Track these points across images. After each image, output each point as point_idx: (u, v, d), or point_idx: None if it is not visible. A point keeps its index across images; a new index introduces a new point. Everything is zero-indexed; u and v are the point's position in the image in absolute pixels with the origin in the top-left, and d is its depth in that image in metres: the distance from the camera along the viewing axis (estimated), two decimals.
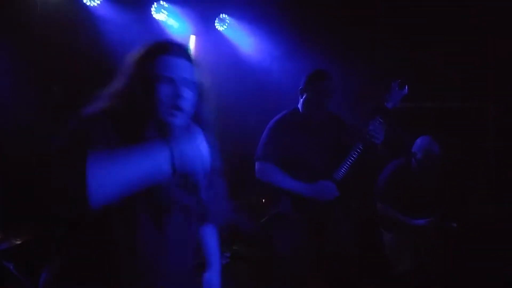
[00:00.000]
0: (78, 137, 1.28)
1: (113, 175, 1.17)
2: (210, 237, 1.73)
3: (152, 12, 4.35)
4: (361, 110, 3.13)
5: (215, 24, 4.77)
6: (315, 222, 2.89)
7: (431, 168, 3.61)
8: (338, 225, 2.98)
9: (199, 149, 1.29)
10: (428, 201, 3.59)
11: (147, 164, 1.23)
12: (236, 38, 4.93)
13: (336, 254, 2.94)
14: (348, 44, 4.72)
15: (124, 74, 1.48)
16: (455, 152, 4.21)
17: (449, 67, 4.48)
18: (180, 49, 1.48)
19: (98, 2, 3.95)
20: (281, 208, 2.90)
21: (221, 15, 4.78)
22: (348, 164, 2.89)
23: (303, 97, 3.01)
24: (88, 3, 3.93)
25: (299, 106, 3.07)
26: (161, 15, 4.39)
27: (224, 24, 4.82)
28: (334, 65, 4.06)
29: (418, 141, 3.72)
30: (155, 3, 4.34)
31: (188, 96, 1.41)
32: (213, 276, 1.70)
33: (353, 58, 4.65)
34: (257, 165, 2.94)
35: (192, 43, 4.72)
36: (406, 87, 2.93)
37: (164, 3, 4.38)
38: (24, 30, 3.58)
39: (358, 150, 2.87)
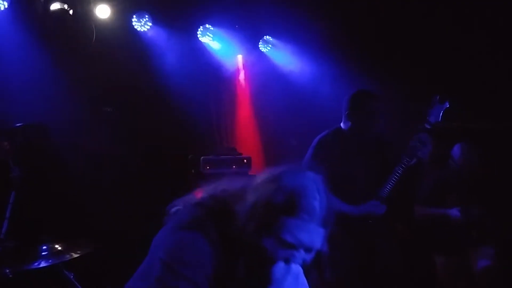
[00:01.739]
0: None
1: None
2: None
3: (198, 35, 4.53)
4: (405, 126, 3.10)
5: (259, 45, 4.89)
6: (362, 240, 2.87)
7: (469, 174, 3.49)
8: (384, 243, 2.94)
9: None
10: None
11: None
12: (280, 59, 5.02)
13: (383, 271, 2.90)
14: (392, 60, 4.70)
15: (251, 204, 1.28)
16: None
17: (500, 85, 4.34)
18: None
19: (148, 27, 4.17)
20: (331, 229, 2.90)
21: (265, 37, 4.89)
22: (393, 181, 2.86)
23: (350, 117, 2.97)
24: (138, 29, 4.15)
25: (342, 125, 3.04)
26: (206, 38, 4.57)
27: (268, 46, 4.94)
28: (377, 82, 4.10)
29: (456, 148, 3.63)
30: (201, 27, 4.52)
31: (305, 258, 1.31)
32: None
33: (396, 75, 4.63)
34: None
35: (239, 62, 4.85)
36: (447, 102, 2.90)
37: (210, 26, 4.55)
38: (80, 55, 3.83)
39: (403, 167, 2.84)
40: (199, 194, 1.41)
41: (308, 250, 1.28)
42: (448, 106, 2.92)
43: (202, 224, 1.26)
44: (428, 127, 2.87)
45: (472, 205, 3.37)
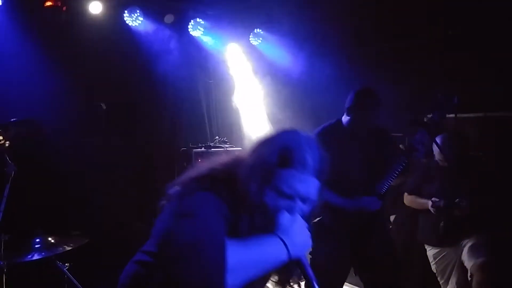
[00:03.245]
0: (214, 229, 1.25)
1: (246, 266, 1.24)
2: None
3: (189, 29, 4.57)
4: (406, 122, 3.05)
5: (250, 38, 4.93)
6: (356, 234, 2.92)
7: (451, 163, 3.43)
8: (378, 236, 2.98)
9: (305, 232, 1.37)
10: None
11: (271, 253, 1.31)
12: (269, 52, 5.07)
13: (376, 262, 2.94)
14: (395, 55, 4.72)
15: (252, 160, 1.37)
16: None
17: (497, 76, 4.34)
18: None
19: (139, 22, 4.21)
20: (324, 218, 2.90)
21: (255, 30, 4.93)
22: (392, 178, 2.88)
23: (350, 114, 2.99)
24: (130, 24, 4.19)
25: (343, 119, 3.06)
26: (197, 32, 4.60)
27: (259, 39, 4.98)
28: (380, 76, 4.13)
29: (438, 139, 3.48)
30: (192, 21, 4.56)
31: (303, 209, 1.41)
32: None
33: (399, 70, 4.64)
34: None
35: (230, 55, 4.87)
36: (456, 98, 2.83)
37: (201, 20, 4.59)
38: (74, 51, 3.87)
39: (403, 165, 2.85)
40: (195, 171, 1.44)
41: (304, 200, 1.37)
42: (455, 103, 2.82)
43: (213, 186, 1.33)
44: (430, 124, 2.82)
45: (453, 193, 3.35)
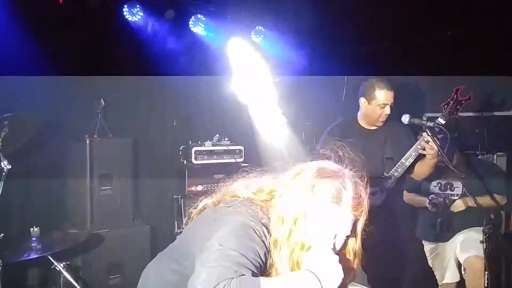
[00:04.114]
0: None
1: None
2: None
3: (190, 26, 4.50)
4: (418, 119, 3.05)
5: (251, 36, 4.86)
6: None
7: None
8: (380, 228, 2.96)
9: (337, 266, 1.35)
10: None
11: None
12: (271, 49, 5.00)
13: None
14: (405, 52, 4.70)
15: None
16: None
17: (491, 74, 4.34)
18: None
19: (139, 17, 4.14)
20: None
21: (257, 27, 4.87)
22: (399, 172, 2.93)
23: (362, 104, 3.07)
24: (130, 19, 4.12)
25: (359, 113, 3.15)
26: (198, 28, 4.53)
27: (260, 36, 4.91)
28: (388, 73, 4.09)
29: None
30: (192, 17, 4.49)
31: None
32: None
33: (409, 67, 4.61)
34: None
35: (231, 51, 4.80)
36: (471, 96, 2.86)
37: (202, 16, 4.52)
38: (71, 46, 3.79)
39: (410, 160, 2.91)
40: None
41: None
42: (471, 100, 2.85)
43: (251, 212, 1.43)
44: (443, 121, 2.84)
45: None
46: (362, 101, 3.06)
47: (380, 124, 3.08)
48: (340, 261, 1.36)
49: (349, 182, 1.47)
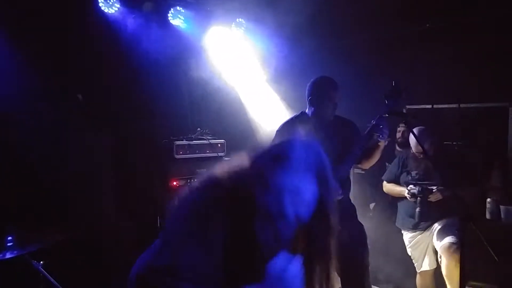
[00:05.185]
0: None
1: None
2: None
3: (169, 18, 4.43)
4: (367, 109, 3.19)
5: (232, 28, 4.82)
6: None
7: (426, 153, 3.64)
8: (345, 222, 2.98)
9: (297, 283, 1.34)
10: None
11: None
12: (252, 41, 4.97)
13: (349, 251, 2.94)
14: (372, 46, 4.73)
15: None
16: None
17: (468, 67, 4.42)
18: None
19: (116, 9, 4.04)
20: None
21: (237, 19, 4.82)
22: (350, 161, 2.96)
23: (312, 103, 3.13)
24: (106, 10, 4.02)
25: (307, 110, 3.18)
26: (177, 20, 4.47)
27: (241, 28, 4.87)
28: (342, 65, 4.16)
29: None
30: (171, 9, 4.42)
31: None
32: None
33: (360, 58, 4.66)
34: None
35: (211, 44, 4.75)
36: (406, 87, 2.96)
37: (181, 8, 4.45)
38: (47, 40, 3.68)
39: (360, 148, 2.95)
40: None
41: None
42: (404, 91, 2.93)
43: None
44: (387, 112, 2.94)
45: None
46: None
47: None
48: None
49: None
